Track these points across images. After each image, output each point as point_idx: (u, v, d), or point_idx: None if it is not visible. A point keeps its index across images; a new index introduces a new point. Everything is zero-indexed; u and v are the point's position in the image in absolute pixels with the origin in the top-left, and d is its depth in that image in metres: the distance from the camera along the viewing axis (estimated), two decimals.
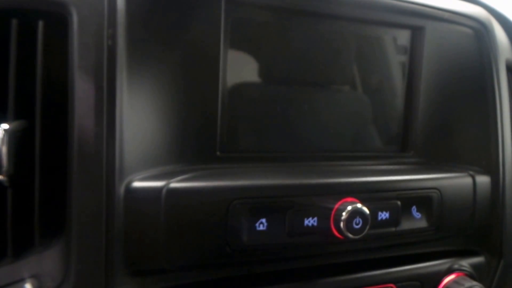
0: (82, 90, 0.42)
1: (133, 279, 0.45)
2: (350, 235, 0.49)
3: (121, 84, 0.43)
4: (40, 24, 0.44)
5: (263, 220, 0.48)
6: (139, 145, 0.45)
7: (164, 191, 0.44)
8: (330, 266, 0.54)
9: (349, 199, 0.50)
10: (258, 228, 0.47)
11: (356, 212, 0.49)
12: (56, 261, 0.42)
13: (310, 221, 0.49)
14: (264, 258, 0.50)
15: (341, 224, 0.49)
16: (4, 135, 0.41)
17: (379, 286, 0.54)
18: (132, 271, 0.44)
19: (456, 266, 0.59)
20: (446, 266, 0.58)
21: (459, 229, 0.58)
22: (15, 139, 0.42)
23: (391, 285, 0.55)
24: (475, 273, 0.60)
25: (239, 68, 0.52)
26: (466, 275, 0.58)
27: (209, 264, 0.47)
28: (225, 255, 0.46)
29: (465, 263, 0.60)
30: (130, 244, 0.44)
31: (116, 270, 0.43)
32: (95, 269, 0.42)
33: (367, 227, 0.49)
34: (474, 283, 0.56)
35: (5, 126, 0.42)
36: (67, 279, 0.42)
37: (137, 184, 0.43)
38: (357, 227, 0.49)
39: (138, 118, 0.45)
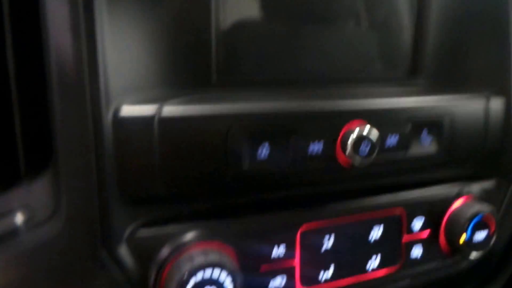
0: (54, 7, 0.37)
1: (129, 208, 0.43)
2: (357, 161, 0.46)
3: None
4: None
5: (265, 147, 0.45)
6: (125, 67, 0.41)
7: (156, 117, 0.40)
8: (335, 192, 0.52)
9: (357, 122, 0.47)
10: (259, 155, 0.45)
11: (363, 136, 0.46)
12: (46, 192, 0.40)
13: (315, 147, 0.46)
14: (265, 186, 0.48)
15: (348, 149, 0.46)
16: None
17: (388, 211, 0.52)
18: (127, 199, 0.42)
19: (466, 190, 0.57)
20: (456, 190, 0.56)
21: (471, 154, 0.56)
22: None
23: (400, 209, 0.53)
24: (486, 197, 0.58)
25: None
26: (476, 198, 0.56)
27: (207, 192, 0.45)
28: (225, 183, 0.44)
29: (475, 187, 0.58)
30: (123, 172, 0.41)
31: (109, 198, 0.41)
32: (87, 199, 0.40)
33: (376, 151, 0.46)
34: (484, 205, 0.54)
35: None
36: (59, 210, 0.40)
37: (126, 108, 0.40)
38: (364, 152, 0.46)
39: (122, 38, 0.40)
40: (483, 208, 0.54)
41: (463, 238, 0.53)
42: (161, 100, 0.42)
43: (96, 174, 0.40)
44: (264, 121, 0.44)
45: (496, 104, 0.56)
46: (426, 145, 0.52)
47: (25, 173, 0.41)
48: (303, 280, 0.50)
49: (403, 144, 0.50)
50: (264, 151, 0.45)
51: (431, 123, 0.52)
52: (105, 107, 0.39)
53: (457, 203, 0.55)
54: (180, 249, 0.44)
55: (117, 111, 0.40)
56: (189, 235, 0.45)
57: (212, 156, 0.43)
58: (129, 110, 0.40)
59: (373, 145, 0.46)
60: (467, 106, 0.54)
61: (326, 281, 0.51)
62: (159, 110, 0.40)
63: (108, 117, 0.39)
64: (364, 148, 0.46)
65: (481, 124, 0.55)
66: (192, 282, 0.42)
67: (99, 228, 0.41)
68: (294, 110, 0.45)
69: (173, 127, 0.41)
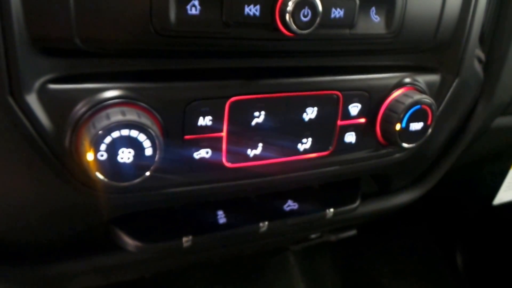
0: None
1: (44, 58, 0.39)
2: (297, 29, 0.42)
3: None
4: None
5: (195, 2, 0.40)
6: None
7: None
8: (273, 68, 0.49)
9: None
10: (189, 12, 0.40)
11: (304, 2, 0.42)
12: None
13: (251, 10, 0.42)
14: (196, 50, 0.44)
15: (287, 15, 0.42)
16: None
17: (324, 92, 0.50)
18: (41, 48, 0.38)
19: (408, 80, 0.55)
20: (397, 79, 0.54)
21: (420, 41, 0.53)
22: None
23: (337, 92, 0.51)
24: (427, 90, 0.56)
25: None
26: (417, 89, 0.55)
27: (131, 50, 0.41)
28: (150, 39, 0.40)
29: (418, 79, 0.56)
30: (32, 16, 0.36)
31: (17, 44, 0.37)
32: None
33: (317, 20, 0.43)
34: (424, 96, 0.53)
35: None
36: None
37: None
38: (305, 19, 0.43)
39: None
40: (423, 99, 0.53)
41: (398, 126, 0.52)
42: None
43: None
44: None
45: None
46: (375, 24, 0.49)
47: None
48: (230, 156, 0.48)
49: (349, 20, 0.47)
50: (194, 7, 0.40)
51: (381, 1, 0.48)
52: None
53: (397, 93, 0.54)
54: (97, 107, 0.41)
55: None
56: (109, 94, 0.41)
57: (133, 4, 0.38)
58: None
59: (314, 14, 0.42)
60: None
61: (254, 158, 0.49)
62: None
63: None
64: (304, 17, 0.42)
65: (437, 9, 0.52)
66: (107, 140, 0.39)
67: (6, 74, 0.37)
68: None
69: None
